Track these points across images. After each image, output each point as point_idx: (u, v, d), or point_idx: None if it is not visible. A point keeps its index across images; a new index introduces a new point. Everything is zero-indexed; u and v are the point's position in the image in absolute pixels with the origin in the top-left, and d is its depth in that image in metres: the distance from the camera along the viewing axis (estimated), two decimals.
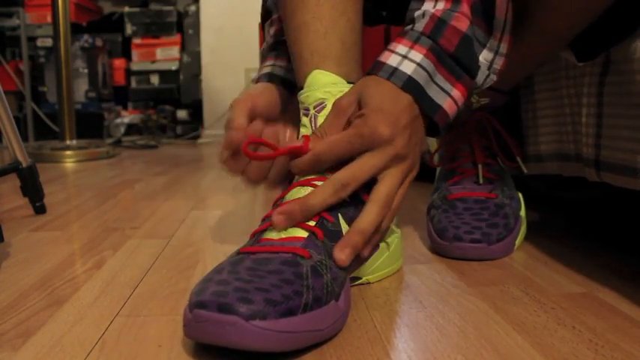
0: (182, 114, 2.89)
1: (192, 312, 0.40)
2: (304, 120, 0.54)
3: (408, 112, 0.52)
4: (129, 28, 2.86)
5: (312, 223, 0.49)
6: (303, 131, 0.54)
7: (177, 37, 2.88)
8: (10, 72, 2.73)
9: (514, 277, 0.59)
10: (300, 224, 0.48)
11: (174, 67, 2.88)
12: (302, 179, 0.52)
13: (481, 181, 0.72)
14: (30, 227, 0.87)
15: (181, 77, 2.89)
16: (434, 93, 0.53)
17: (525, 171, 0.74)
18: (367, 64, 0.57)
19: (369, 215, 0.50)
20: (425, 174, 1.07)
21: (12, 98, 2.74)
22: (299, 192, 0.51)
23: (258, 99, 0.62)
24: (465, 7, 0.54)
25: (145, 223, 0.88)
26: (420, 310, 0.51)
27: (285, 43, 0.67)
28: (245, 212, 0.96)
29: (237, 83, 2.80)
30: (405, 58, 0.52)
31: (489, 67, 0.57)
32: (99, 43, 2.79)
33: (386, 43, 1.49)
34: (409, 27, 0.55)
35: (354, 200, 0.52)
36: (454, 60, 0.53)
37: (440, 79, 0.53)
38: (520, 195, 0.74)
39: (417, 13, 0.55)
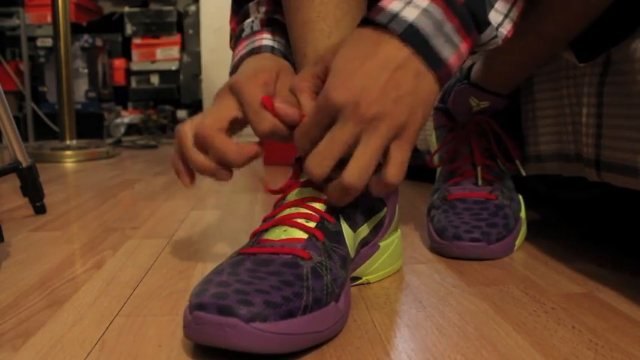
0: (182, 114, 2.89)
1: (192, 314, 0.40)
2: None
3: (397, 67, 0.44)
4: (129, 28, 2.86)
5: (312, 225, 0.48)
6: None
7: (177, 37, 2.88)
8: (10, 72, 2.73)
9: (514, 277, 0.59)
10: (301, 226, 0.48)
11: (174, 67, 2.89)
12: (303, 180, 0.52)
13: (480, 182, 0.72)
14: (30, 227, 0.87)
15: (181, 77, 2.89)
16: (440, 44, 0.45)
17: (524, 174, 0.74)
18: None
19: (335, 189, 0.47)
20: (425, 174, 1.07)
21: (12, 98, 2.74)
22: (300, 192, 0.51)
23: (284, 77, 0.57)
24: None
25: (145, 223, 0.88)
26: (420, 310, 0.51)
27: (279, 23, 0.64)
28: (245, 212, 0.96)
29: None
30: (409, 3, 0.45)
31: (496, 29, 0.50)
32: (99, 43, 2.79)
33: None
34: None
35: (356, 202, 0.52)
36: (468, 10, 0.46)
37: (449, 29, 0.45)
38: (520, 197, 0.74)
39: None
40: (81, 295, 0.56)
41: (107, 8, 3.09)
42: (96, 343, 0.44)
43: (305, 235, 0.47)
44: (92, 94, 2.82)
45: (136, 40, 2.88)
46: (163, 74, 2.90)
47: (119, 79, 2.89)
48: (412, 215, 0.89)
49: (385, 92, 0.43)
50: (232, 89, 0.55)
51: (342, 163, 0.45)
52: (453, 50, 0.46)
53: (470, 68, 0.77)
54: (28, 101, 2.73)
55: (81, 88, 2.80)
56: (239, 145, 0.53)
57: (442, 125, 0.80)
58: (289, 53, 0.62)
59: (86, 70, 2.80)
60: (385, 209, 0.58)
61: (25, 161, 0.96)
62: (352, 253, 0.52)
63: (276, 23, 0.66)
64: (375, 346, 0.43)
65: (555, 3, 0.58)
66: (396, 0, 0.46)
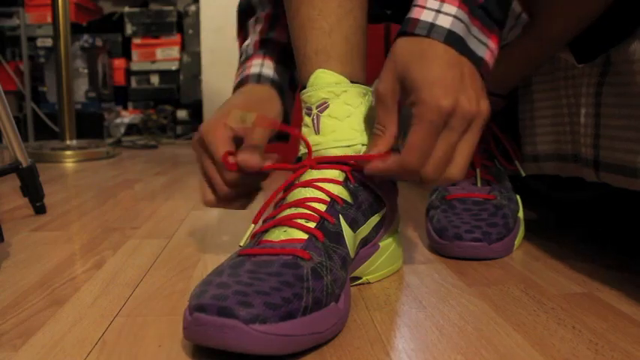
0: (182, 114, 2.89)
1: (192, 315, 0.40)
2: (307, 120, 0.54)
3: (455, 64, 0.48)
4: (129, 28, 2.86)
5: (312, 225, 0.48)
6: (305, 131, 0.54)
7: (177, 37, 2.88)
8: (10, 72, 2.73)
9: (514, 277, 0.59)
10: (301, 226, 0.48)
11: (174, 67, 2.89)
12: (303, 180, 0.52)
13: (479, 183, 0.73)
14: (30, 227, 0.87)
15: (181, 77, 2.89)
16: (474, 45, 0.49)
17: (523, 174, 0.74)
18: (367, 62, 0.56)
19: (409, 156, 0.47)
20: None
21: (12, 98, 2.74)
22: (301, 193, 0.51)
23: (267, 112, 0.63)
24: None
25: (145, 223, 0.88)
26: (420, 310, 0.51)
27: (273, 42, 0.65)
28: (245, 212, 0.96)
29: None
30: (439, 12, 0.49)
31: (517, 18, 0.56)
32: (99, 43, 2.79)
33: (386, 41, 1.49)
34: None
35: (356, 202, 0.52)
36: (484, 11, 0.50)
37: (475, 31, 0.50)
38: (518, 197, 0.74)
39: None
40: (81, 295, 0.56)
41: (107, 8, 3.09)
42: (96, 343, 0.44)
43: (305, 236, 0.47)
44: (92, 94, 2.82)
45: (136, 40, 2.88)
46: (163, 74, 2.90)
47: (119, 79, 2.89)
48: (412, 215, 0.89)
49: (469, 87, 0.48)
50: (201, 140, 0.61)
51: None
52: (484, 48, 0.50)
53: None
54: (28, 101, 2.73)
55: (81, 88, 2.80)
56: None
57: None
58: (279, 75, 0.65)
59: (86, 70, 2.80)
60: (385, 208, 0.57)
61: (25, 161, 0.96)
62: (352, 254, 0.51)
63: (269, 44, 0.67)
64: (375, 346, 0.43)
65: (554, 6, 0.58)
66: (424, 10, 0.49)
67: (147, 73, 2.90)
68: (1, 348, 0.44)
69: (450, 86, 0.47)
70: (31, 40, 2.77)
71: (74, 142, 2.12)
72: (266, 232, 0.49)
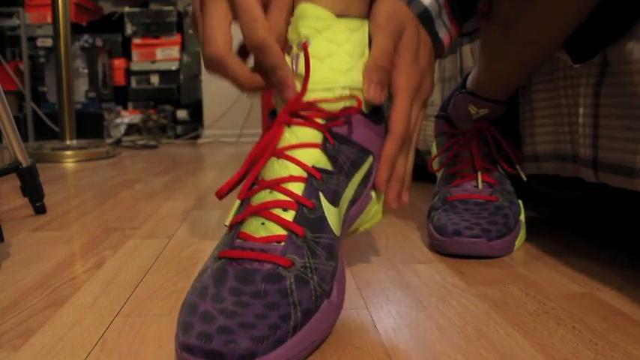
0: (182, 114, 2.89)
1: (181, 355, 0.38)
2: (286, 59, 0.49)
3: (427, 42, 0.56)
4: (129, 28, 2.86)
5: (290, 217, 0.44)
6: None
7: (177, 37, 2.89)
8: (10, 72, 2.73)
9: (514, 277, 0.59)
10: (278, 219, 0.44)
11: (174, 67, 2.89)
12: (278, 148, 0.47)
13: (480, 186, 0.73)
14: (30, 227, 0.87)
15: (181, 77, 2.89)
16: (439, 26, 0.57)
17: (525, 179, 0.75)
18: None
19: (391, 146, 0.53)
20: (425, 174, 1.07)
21: (12, 98, 2.74)
22: (274, 168, 0.47)
23: None
24: None
25: (145, 223, 0.88)
26: (420, 310, 0.51)
27: None
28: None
29: None
30: None
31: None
32: (99, 43, 2.79)
33: None
34: None
35: (337, 167, 0.48)
36: (458, 3, 0.58)
37: (444, 15, 0.57)
38: (520, 201, 0.74)
39: None
40: (81, 295, 0.56)
41: (107, 8, 3.09)
42: (96, 343, 0.44)
43: (284, 232, 0.44)
44: (92, 94, 2.82)
45: (136, 40, 2.88)
46: (163, 74, 2.90)
47: (119, 79, 2.89)
48: (412, 215, 0.89)
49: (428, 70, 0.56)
50: None
51: None
52: (445, 31, 0.58)
53: (466, 77, 0.78)
54: (28, 101, 2.73)
55: (81, 88, 2.80)
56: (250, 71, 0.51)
57: (443, 132, 0.80)
58: None
59: (86, 70, 2.80)
60: (371, 157, 0.53)
61: (25, 161, 0.96)
62: (338, 232, 0.48)
63: None
64: (375, 346, 0.43)
65: (540, 10, 0.59)
66: None
67: (147, 73, 2.90)
68: (1, 348, 0.44)
69: (430, 70, 0.56)
70: (31, 40, 2.77)
71: (74, 142, 2.13)
72: (243, 223, 0.45)
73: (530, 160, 0.74)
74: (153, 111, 2.87)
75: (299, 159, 0.46)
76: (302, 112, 0.48)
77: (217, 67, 0.49)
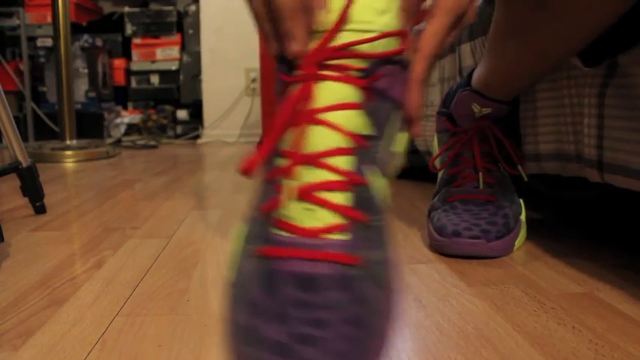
0: (182, 114, 2.89)
1: None
2: None
3: None
4: (129, 28, 2.86)
5: (345, 202, 0.35)
6: None
7: (177, 37, 2.89)
8: (10, 72, 2.73)
9: (514, 277, 0.59)
10: (333, 206, 0.35)
11: (174, 67, 2.89)
12: (308, 110, 0.37)
13: (482, 186, 0.73)
14: (30, 227, 0.87)
15: (181, 77, 2.89)
16: None
17: (526, 179, 0.75)
18: None
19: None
20: (425, 174, 1.07)
21: (12, 98, 2.74)
22: (311, 138, 0.37)
23: None
24: None
25: (145, 223, 0.88)
26: (420, 310, 0.51)
27: None
28: (245, 212, 0.96)
29: (237, 83, 2.81)
30: None
31: None
32: (99, 43, 2.79)
33: None
34: None
35: (379, 127, 0.39)
36: None
37: None
38: (521, 201, 0.74)
39: None
40: (81, 295, 0.56)
41: (107, 8, 3.09)
42: (96, 343, 0.44)
43: (342, 221, 0.35)
44: (92, 94, 2.82)
45: (136, 40, 2.88)
46: (163, 74, 2.90)
47: (119, 79, 2.89)
48: (412, 215, 0.89)
49: None
50: None
51: None
52: None
53: (470, 74, 0.77)
54: (28, 101, 2.73)
55: (81, 88, 2.80)
56: None
57: (444, 129, 0.80)
58: None
59: (86, 70, 2.80)
60: (400, 112, 0.42)
61: (25, 161, 0.96)
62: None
63: None
64: None
65: (559, 23, 0.58)
66: None
67: (147, 73, 2.90)
68: (1, 348, 0.44)
69: None
70: (31, 40, 2.77)
71: (74, 142, 2.13)
72: (280, 209, 0.36)
73: (532, 159, 0.74)
74: (153, 111, 2.87)
75: (340, 125, 0.36)
76: (334, 61, 0.37)
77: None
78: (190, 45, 2.88)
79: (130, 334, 0.46)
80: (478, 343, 0.44)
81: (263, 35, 0.41)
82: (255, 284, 0.34)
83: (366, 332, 0.32)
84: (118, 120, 2.82)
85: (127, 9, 2.87)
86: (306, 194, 0.35)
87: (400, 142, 0.43)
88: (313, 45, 0.37)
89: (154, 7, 2.89)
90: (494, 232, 0.66)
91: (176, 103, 2.91)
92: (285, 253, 0.34)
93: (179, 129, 2.87)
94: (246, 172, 0.36)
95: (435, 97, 1.07)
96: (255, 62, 2.63)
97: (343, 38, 0.37)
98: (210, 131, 2.84)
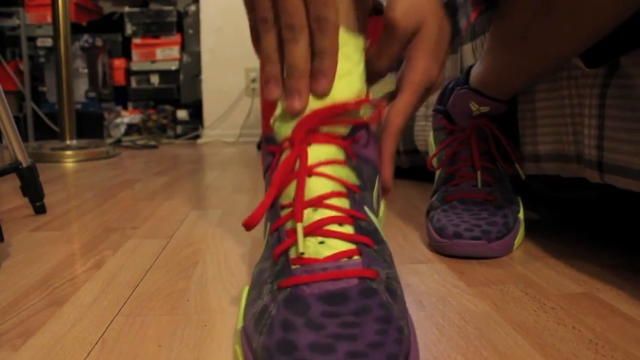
0: (182, 114, 2.89)
1: None
2: None
3: (448, 36, 0.53)
4: (129, 28, 2.86)
5: (350, 230, 0.40)
6: None
7: (177, 37, 2.89)
8: (10, 72, 2.73)
9: (514, 277, 0.59)
10: (342, 235, 0.40)
11: (174, 67, 2.89)
12: (302, 167, 0.43)
13: (480, 185, 0.73)
14: (30, 227, 0.87)
15: (181, 77, 2.89)
16: (460, 16, 0.57)
17: (524, 177, 0.75)
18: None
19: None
20: (425, 174, 1.07)
21: (12, 98, 2.74)
22: (309, 187, 0.43)
23: None
24: None
25: (145, 223, 0.88)
26: (420, 310, 0.51)
27: None
28: (245, 212, 0.96)
29: (237, 83, 2.81)
30: None
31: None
32: (99, 43, 2.79)
33: None
34: None
35: (363, 182, 0.46)
36: None
37: (468, 4, 0.57)
38: (519, 198, 0.74)
39: None
40: (81, 295, 0.56)
41: (107, 8, 3.09)
42: (96, 343, 0.44)
43: (352, 246, 0.40)
44: (92, 94, 2.82)
45: (136, 40, 2.88)
46: (163, 74, 2.90)
47: (119, 79, 2.89)
48: (412, 215, 0.89)
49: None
50: None
51: None
52: (465, 20, 0.57)
53: (469, 71, 0.77)
54: (28, 101, 2.73)
55: (81, 88, 2.80)
56: None
57: (441, 127, 0.80)
58: None
59: (86, 70, 2.80)
60: (378, 174, 0.50)
61: (25, 161, 0.96)
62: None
63: None
64: None
65: (561, 26, 0.58)
66: None
67: (147, 73, 2.90)
68: (1, 348, 0.44)
69: (443, 62, 0.52)
70: (31, 40, 2.77)
71: (74, 142, 2.13)
72: (293, 247, 0.40)
73: (531, 160, 0.74)
74: (153, 111, 2.87)
75: (333, 175, 0.43)
76: (321, 128, 0.44)
77: (298, 35, 0.44)
78: (190, 45, 2.88)
79: (130, 334, 0.46)
80: (478, 343, 0.44)
81: (266, 78, 0.46)
82: (284, 309, 0.36)
83: (393, 328, 0.35)
84: (118, 120, 2.82)
85: (127, 9, 2.87)
86: (317, 229, 0.40)
87: (381, 208, 0.52)
88: (305, 112, 0.44)
89: (153, 7, 2.89)
90: (495, 233, 0.66)
91: (176, 103, 2.91)
92: (308, 279, 0.37)
93: (179, 129, 2.87)
94: (249, 225, 0.42)
95: (435, 97, 1.07)
96: (255, 62, 2.63)
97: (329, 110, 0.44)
98: (210, 131, 2.84)
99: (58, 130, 2.26)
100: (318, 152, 0.44)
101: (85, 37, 2.76)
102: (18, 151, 0.95)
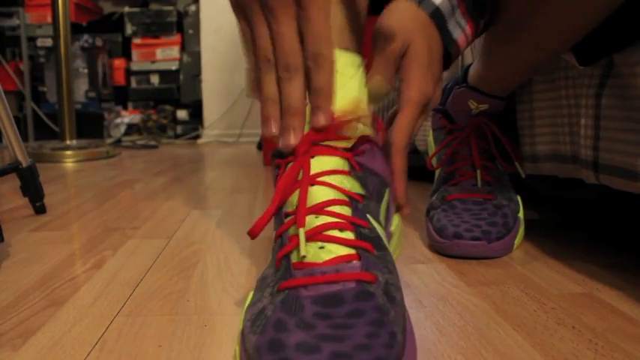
0: (182, 114, 2.89)
1: None
2: None
3: (439, 52, 0.55)
4: (129, 28, 2.86)
5: (351, 236, 0.41)
6: None
7: (177, 37, 2.89)
8: (10, 72, 2.73)
9: (514, 277, 0.59)
10: (342, 241, 0.40)
11: (174, 67, 2.89)
12: (306, 176, 0.44)
13: (480, 184, 0.73)
14: (30, 227, 0.87)
15: (181, 77, 2.89)
16: (452, 27, 0.56)
17: (523, 176, 0.75)
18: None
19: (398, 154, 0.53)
20: (424, 174, 1.07)
21: (12, 98, 2.74)
22: (311, 195, 0.44)
23: None
24: None
25: (145, 223, 0.88)
26: (420, 310, 0.51)
27: None
28: (245, 212, 0.96)
29: (237, 83, 2.81)
30: None
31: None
32: (99, 43, 2.79)
33: None
34: None
35: (368, 192, 0.47)
36: (472, 0, 0.57)
37: (458, 13, 0.56)
38: (518, 197, 0.74)
39: None
40: (81, 295, 0.56)
41: (107, 8, 3.09)
42: (96, 343, 0.44)
43: (352, 251, 0.40)
44: (92, 94, 2.82)
45: (136, 40, 2.88)
46: (163, 74, 2.90)
47: (119, 79, 2.89)
48: (412, 215, 0.89)
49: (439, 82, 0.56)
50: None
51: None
52: (460, 31, 0.57)
53: (467, 70, 0.77)
54: (28, 101, 2.73)
55: (81, 88, 2.80)
56: None
57: (440, 127, 0.80)
58: None
59: (86, 70, 2.80)
60: (388, 188, 0.52)
61: (25, 161, 0.96)
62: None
63: None
64: None
65: (554, 16, 0.58)
66: None
67: (147, 73, 2.90)
68: (1, 348, 0.44)
69: (438, 79, 0.54)
70: (31, 40, 2.77)
71: (74, 142, 2.13)
72: (295, 252, 0.41)
73: (529, 160, 0.74)
74: (153, 111, 2.87)
75: (335, 184, 0.44)
76: (324, 142, 0.46)
77: (293, 75, 0.46)
78: (190, 45, 2.88)
79: (130, 335, 0.46)
80: (478, 343, 0.44)
81: (265, 116, 0.48)
82: (279, 310, 0.37)
83: (385, 332, 0.34)
84: (118, 120, 2.82)
85: (127, 9, 2.87)
86: (317, 234, 0.41)
87: (395, 222, 0.54)
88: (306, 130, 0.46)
89: (154, 7, 2.89)
90: (495, 233, 0.66)
91: (176, 103, 2.91)
92: (307, 282, 0.38)
93: (179, 129, 2.87)
94: (253, 233, 0.43)
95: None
96: None
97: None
98: (210, 131, 2.84)
99: (58, 130, 2.26)
100: (321, 163, 0.45)
101: (85, 37, 2.76)
102: (18, 151, 0.95)
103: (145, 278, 0.61)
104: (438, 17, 0.55)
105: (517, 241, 0.70)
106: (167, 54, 2.88)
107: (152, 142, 2.58)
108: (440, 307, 0.51)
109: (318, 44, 0.45)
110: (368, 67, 0.53)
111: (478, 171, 0.73)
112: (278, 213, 0.45)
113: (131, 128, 2.83)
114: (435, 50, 0.55)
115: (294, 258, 0.40)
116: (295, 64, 0.45)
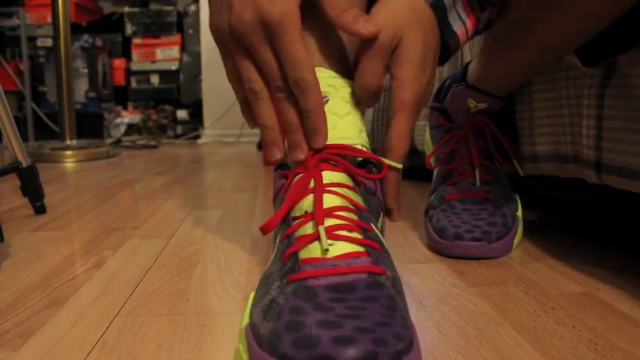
0: (182, 114, 2.89)
1: None
2: None
3: (435, 47, 0.52)
4: (129, 28, 2.86)
5: (358, 235, 0.42)
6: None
7: (177, 37, 2.89)
8: (10, 72, 2.73)
9: (514, 277, 0.59)
10: (348, 238, 0.42)
11: (174, 67, 2.89)
12: (315, 185, 0.46)
13: (478, 183, 0.72)
14: (30, 227, 0.87)
15: (181, 77, 2.89)
16: (452, 18, 0.54)
17: (522, 174, 0.74)
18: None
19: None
20: (424, 174, 1.07)
21: (12, 98, 2.74)
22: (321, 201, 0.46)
23: None
24: None
25: (145, 223, 0.88)
26: (420, 310, 0.51)
27: None
28: (245, 212, 0.96)
29: None
30: None
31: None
32: (99, 43, 2.79)
33: None
34: None
35: (370, 208, 0.48)
36: None
37: (460, 6, 0.54)
38: (517, 196, 0.74)
39: None
40: (81, 295, 0.56)
41: (107, 8, 3.09)
42: (96, 343, 0.44)
43: (361, 249, 0.41)
44: (92, 94, 2.82)
45: (136, 40, 2.88)
46: (163, 74, 2.90)
47: (119, 79, 2.89)
48: (412, 215, 0.89)
49: (432, 76, 0.53)
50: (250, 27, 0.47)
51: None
52: (460, 24, 0.55)
53: (466, 68, 0.77)
54: (28, 101, 2.73)
55: (81, 88, 2.80)
56: None
57: (438, 125, 0.80)
58: None
59: (86, 70, 2.80)
60: (382, 208, 0.54)
61: (25, 161, 0.96)
62: None
63: None
64: None
65: (561, 18, 0.58)
66: None
67: (147, 73, 2.90)
68: (1, 348, 0.44)
69: (430, 76, 0.52)
70: (31, 40, 2.77)
71: (74, 142, 2.13)
72: (301, 251, 0.42)
73: (529, 160, 0.74)
74: (153, 111, 2.87)
75: (343, 194, 0.46)
76: (331, 161, 0.48)
77: (287, 94, 0.48)
78: (190, 45, 2.88)
79: (130, 335, 0.46)
80: (478, 343, 0.44)
81: (266, 143, 0.50)
82: (293, 297, 0.37)
83: (399, 315, 0.36)
84: (118, 120, 2.82)
85: (127, 9, 2.88)
86: (327, 234, 0.42)
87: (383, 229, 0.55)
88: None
89: (154, 7, 2.89)
90: (495, 234, 0.66)
91: (176, 103, 2.91)
92: (318, 273, 0.39)
93: (179, 129, 2.87)
94: (265, 230, 0.44)
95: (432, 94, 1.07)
96: None
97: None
98: (210, 131, 2.84)
99: (58, 130, 2.26)
100: (329, 176, 0.47)
101: (85, 37, 2.76)
102: (18, 151, 0.95)
103: (144, 278, 0.61)
104: (439, 8, 0.52)
105: (516, 240, 0.70)
106: (167, 54, 2.88)
107: (152, 142, 2.58)
108: (440, 307, 0.51)
109: (297, 70, 0.46)
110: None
111: (477, 170, 0.73)
112: (284, 218, 0.46)
113: (131, 128, 2.83)
114: (430, 45, 0.52)
115: (302, 255, 0.41)
116: (285, 85, 0.48)
